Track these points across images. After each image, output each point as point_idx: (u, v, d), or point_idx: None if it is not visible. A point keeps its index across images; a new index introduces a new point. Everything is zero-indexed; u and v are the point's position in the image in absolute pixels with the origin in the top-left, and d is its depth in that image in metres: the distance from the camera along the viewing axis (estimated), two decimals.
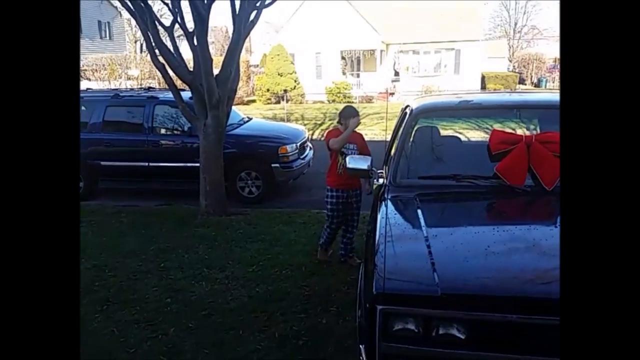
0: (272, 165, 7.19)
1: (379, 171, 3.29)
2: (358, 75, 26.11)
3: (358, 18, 23.79)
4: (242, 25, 6.12)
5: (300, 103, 23.48)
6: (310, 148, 8.38)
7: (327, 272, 4.35)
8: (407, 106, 3.60)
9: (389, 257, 1.94)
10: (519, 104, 3.20)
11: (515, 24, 52.63)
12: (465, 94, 3.87)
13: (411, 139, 3.05)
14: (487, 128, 3.17)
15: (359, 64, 26.77)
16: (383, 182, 3.00)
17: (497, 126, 3.02)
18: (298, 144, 7.57)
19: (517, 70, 34.91)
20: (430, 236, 2.05)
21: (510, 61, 38.48)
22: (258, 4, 6.24)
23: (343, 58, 25.63)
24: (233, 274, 4.38)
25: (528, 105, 3.13)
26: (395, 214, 2.48)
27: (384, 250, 2.01)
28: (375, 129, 14.49)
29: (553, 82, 34.30)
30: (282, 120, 16.11)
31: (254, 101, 24.56)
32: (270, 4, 6.49)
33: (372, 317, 1.75)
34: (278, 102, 22.81)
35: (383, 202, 2.64)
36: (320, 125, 15.89)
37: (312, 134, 13.75)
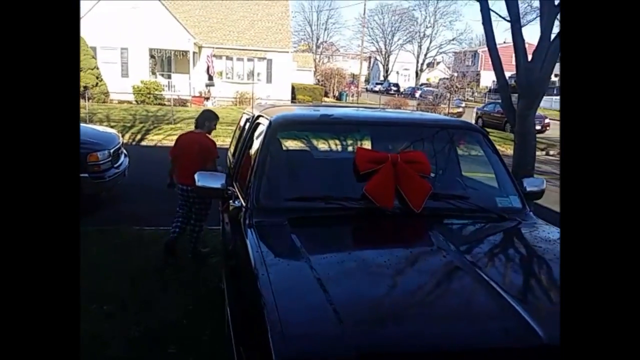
0: (80, 175, 6.10)
1: (229, 190, 2.91)
2: (169, 77, 24.69)
3: (168, 16, 22.48)
4: None
5: (104, 102, 21.09)
6: (125, 155, 7.40)
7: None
8: (259, 116, 3.28)
9: (282, 307, 1.58)
10: (382, 120, 3.16)
11: (317, 39, 56.74)
12: (317, 106, 3.74)
13: (271, 154, 2.75)
14: (345, 144, 3.06)
15: (169, 64, 25.34)
16: (240, 205, 2.62)
17: (359, 143, 2.94)
18: (111, 151, 6.59)
19: (321, 83, 37.49)
20: (323, 277, 1.77)
21: (315, 74, 41.17)
22: None
23: (152, 57, 23.91)
24: None
25: (391, 122, 3.11)
26: (268, 246, 2.13)
27: (271, 296, 1.66)
28: None
29: (352, 97, 37.78)
30: (84, 121, 14.16)
31: None
32: None
33: None
34: None
35: (249, 230, 2.28)
36: (130, 128, 14.42)
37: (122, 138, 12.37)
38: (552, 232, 2.43)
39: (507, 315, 1.58)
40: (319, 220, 2.43)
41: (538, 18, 5.67)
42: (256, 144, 2.98)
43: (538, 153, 14.26)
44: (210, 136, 4.71)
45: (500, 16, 5.85)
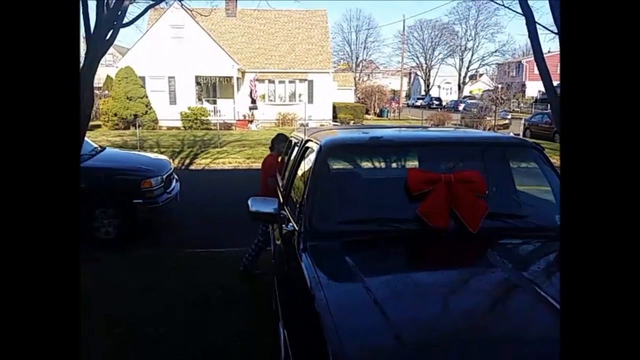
0: (134, 201, 6.35)
1: (281, 214, 2.95)
2: (215, 102, 25.46)
3: (213, 45, 23.30)
4: (99, 44, 5.37)
5: (153, 129, 21.97)
6: (177, 180, 7.65)
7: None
8: (308, 140, 3.32)
9: (341, 328, 1.59)
10: (433, 140, 3.14)
11: (357, 57, 57.12)
12: (360, 127, 3.74)
13: (323, 178, 2.78)
14: (396, 166, 3.04)
15: (214, 90, 26.16)
16: (293, 229, 2.65)
17: (410, 164, 2.92)
18: (164, 177, 6.83)
19: (362, 101, 37.61)
20: (380, 299, 1.76)
21: (355, 92, 41.36)
22: (115, 22, 5.56)
23: (198, 83, 24.79)
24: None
25: (442, 142, 3.08)
26: (324, 268, 2.14)
27: (330, 318, 1.66)
28: (238, 157, 14.07)
29: (393, 113, 37.66)
30: (135, 147, 14.78)
31: (99, 126, 22.29)
32: (129, 23, 5.89)
33: None
34: (128, 128, 21.02)
35: (304, 254, 2.30)
36: (179, 152, 14.93)
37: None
38: None
39: None
40: (372, 242, 2.42)
41: None
42: (306, 169, 3.01)
43: None
44: (278, 158, 4.99)
45: (546, 28, 5.72)
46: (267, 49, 26.75)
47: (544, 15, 60.23)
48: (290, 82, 26.47)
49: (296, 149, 3.79)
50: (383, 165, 3.06)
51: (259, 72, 25.63)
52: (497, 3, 6.94)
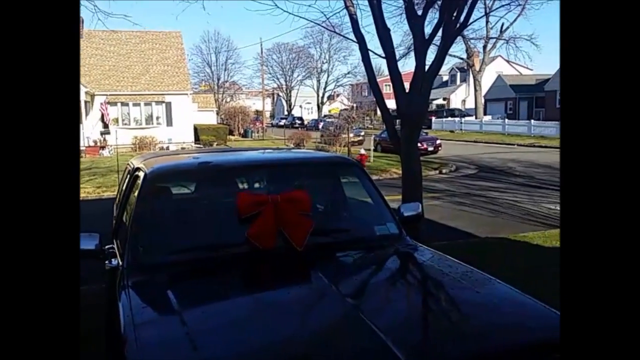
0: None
1: (107, 248, 2.76)
2: None
3: None
4: None
5: None
6: None
7: None
8: (137, 168, 3.17)
9: None
10: (260, 162, 3.19)
11: (219, 79, 56.67)
12: (198, 152, 3.68)
13: (148, 208, 2.67)
14: (227, 189, 3.03)
15: None
16: (117, 264, 2.49)
17: (241, 187, 2.94)
18: None
19: (225, 122, 37.28)
20: (195, 333, 1.72)
21: (218, 114, 40.89)
22: None
23: None
24: None
25: (269, 164, 3.15)
26: (140, 308, 2.01)
27: None
28: (87, 187, 12.96)
29: (257, 133, 37.98)
30: None
31: None
32: None
33: None
34: None
35: (123, 293, 2.16)
36: None
37: None
38: (426, 255, 2.58)
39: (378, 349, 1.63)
40: (201, 271, 2.37)
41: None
42: (133, 198, 2.87)
43: (432, 172, 15.26)
44: None
45: (376, 54, 6.25)
46: (119, 70, 25.29)
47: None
48: (146, 104, 25.28)
49: (128, 176, 3.60)
50: (214, 190, 3.03)
51: (110, 95, 24.07)
52: (333, 31, 7.39)
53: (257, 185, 3.05)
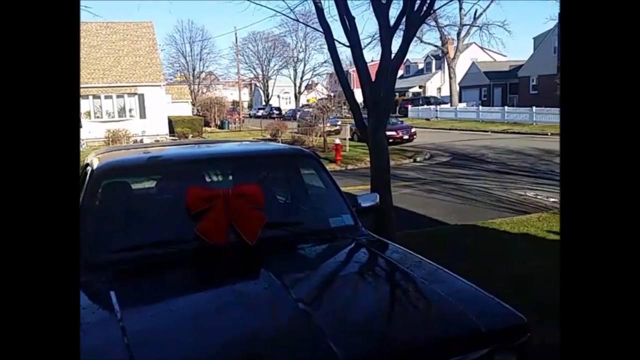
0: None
1: None
2: None
3: None
4: None
5: None
6: None
7: None
8: (87, 164, 3.09)
9: None
10: (212, 155, 3.13)
11: (194, 69, 55.89)
12: (152, 146, 3.59)
13: (95, 205, 2.60)
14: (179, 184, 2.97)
15: None
16: None
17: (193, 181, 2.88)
18: None
19: (201, 114, 36.79)
20: (133, 338, 1.67)
21: (194, 105, 40.36)
22: None
23: None
24: None
25: (221, 157, 3.09)
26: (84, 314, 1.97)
27: None
28: None
29: (234, 124, 37.61)
30: None
31: None
32: None
33: None
34: None
35: None
36: None
37: None
38: (376, 246, 2.58)
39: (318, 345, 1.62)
40: (148, 268, 2.33)
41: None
42: (82, 195, 2.79)
43: (406, 161, 15.33)
44: None
45: (341, 43, 6.20)
46: (89, 62, 24.69)
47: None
48: (119, 96, 24.81)
49: (82, 172, 3.50)
50: (164, 185, 2.97)
51: (81, 87, 23.47)
52: (297, 20, 7.31)
53: (209, 180, 2.99)
